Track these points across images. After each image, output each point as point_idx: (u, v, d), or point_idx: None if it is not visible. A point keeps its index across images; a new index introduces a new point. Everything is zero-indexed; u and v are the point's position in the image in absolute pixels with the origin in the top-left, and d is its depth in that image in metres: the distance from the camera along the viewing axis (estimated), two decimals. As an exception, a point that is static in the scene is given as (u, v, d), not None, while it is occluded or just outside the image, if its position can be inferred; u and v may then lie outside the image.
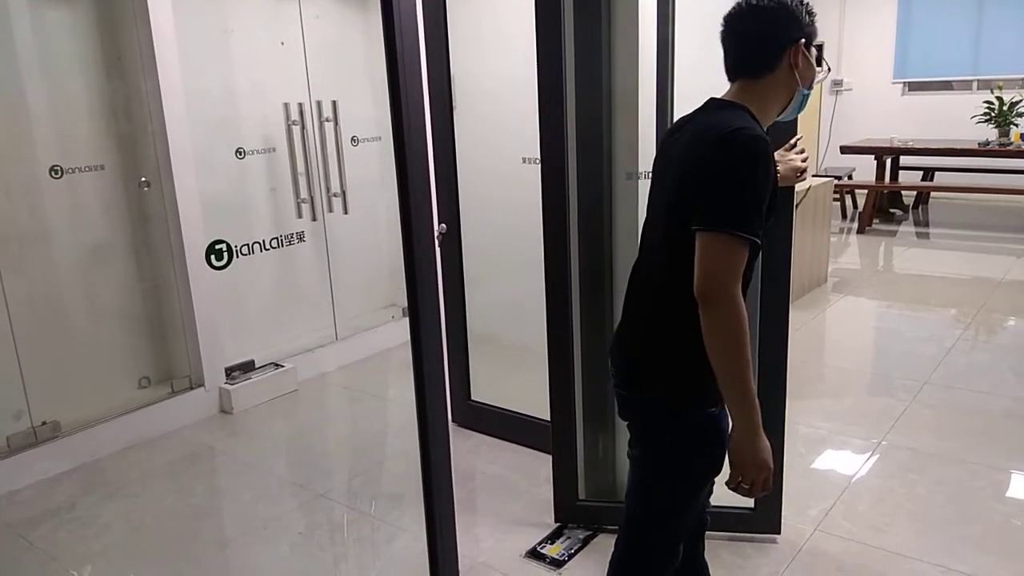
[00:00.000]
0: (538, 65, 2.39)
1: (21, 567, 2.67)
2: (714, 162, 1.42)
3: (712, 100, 1.60)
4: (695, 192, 1.44)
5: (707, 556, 1.92)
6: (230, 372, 3.84)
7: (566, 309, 2.52)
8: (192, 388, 3.71)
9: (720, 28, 1.59)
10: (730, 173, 1.40)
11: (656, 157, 1.71)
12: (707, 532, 1.90)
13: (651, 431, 1.64)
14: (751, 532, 2.58)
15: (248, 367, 3.92)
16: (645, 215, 1.70)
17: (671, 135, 1.65)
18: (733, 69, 1.59)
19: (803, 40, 1.54)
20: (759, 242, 1.40)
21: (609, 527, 2.64)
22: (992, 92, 7.20)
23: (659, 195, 1.63)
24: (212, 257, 3.60)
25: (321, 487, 3.10)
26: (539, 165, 2.47)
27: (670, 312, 1.54)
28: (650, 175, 2.50)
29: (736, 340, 1.39)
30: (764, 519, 2.55)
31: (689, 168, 1.47)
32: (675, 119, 2.46)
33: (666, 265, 1.54)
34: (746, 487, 1.49)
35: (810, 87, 1.60)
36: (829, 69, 1.72)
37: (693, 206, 1.44)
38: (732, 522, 2.54)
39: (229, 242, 3.71)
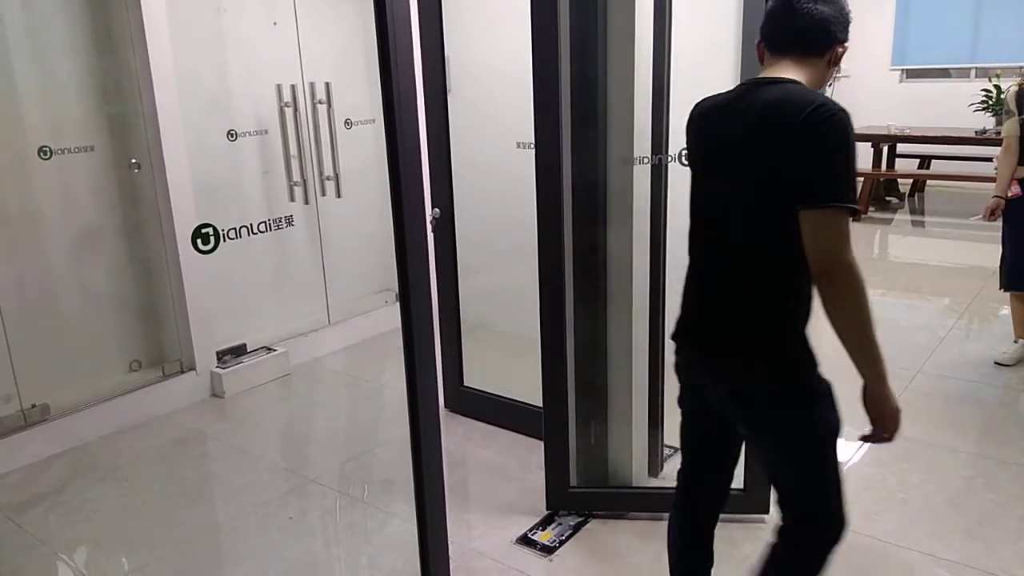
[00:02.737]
0: (533, 48, 2.35)
1: (10, 551, 2.65)
2: (814, 139, 1.44)
3: (762, 78, 1.61)
4: (795, 169, 1.45)
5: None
6: (221, 356, 3.82)
7: (559, 295, 2.50)
8: (183, 372, 3.69)
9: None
10: (834, 148, 1.44)
11: (698, 139, 1.70)
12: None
13: (777, 409, 1.64)
14: (742, 512, 2.58)
15: (240, 351, 3.90)
16: (701, 200, 1.68)
17: (715, 113, 1.64)
18: (790, 41, 1.60)
19: (845, 44, 1.63)
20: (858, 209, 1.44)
21: (600, 514, 2.64)
22: (990, 80, 7.16)
23: (727, 175, 1.59)
24: (199, 241, 3.56)
25: (312, 472, 3.09)
26: (533, 150, 2.44)
27: (772, 290, 1.57)
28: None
29: (864, 305, 1.47)
30: (754, 499, 2.55)
31: (778, 147, 1.47)
32: (671, 102, 2.45)
33: (761, 245, 1.54)
34: (887, 436, 1.59)
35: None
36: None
37: (795, 182, 1.45)
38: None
39: (216, 226, 3.68)
